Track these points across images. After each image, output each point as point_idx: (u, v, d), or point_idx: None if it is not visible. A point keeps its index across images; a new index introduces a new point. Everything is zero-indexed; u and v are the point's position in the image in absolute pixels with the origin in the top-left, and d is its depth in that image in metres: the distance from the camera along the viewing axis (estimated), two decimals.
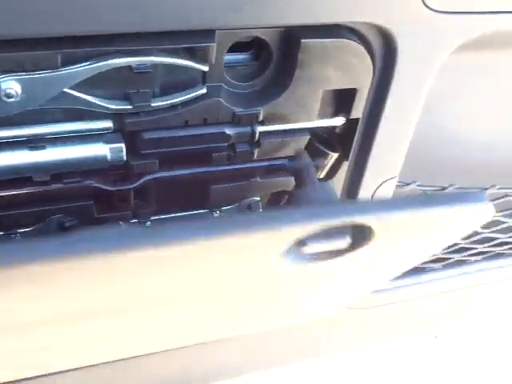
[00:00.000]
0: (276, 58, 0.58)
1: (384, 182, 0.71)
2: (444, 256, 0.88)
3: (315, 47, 0.57)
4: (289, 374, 1.52)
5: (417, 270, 0.88)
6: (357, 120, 0.65)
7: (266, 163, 0.65)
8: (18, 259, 0.33)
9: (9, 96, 0.49)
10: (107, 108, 0.54)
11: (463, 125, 0.77)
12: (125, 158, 0.56)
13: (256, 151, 0.63)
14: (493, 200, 0.84)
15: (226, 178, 0.64)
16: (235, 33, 0.54)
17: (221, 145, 0.61)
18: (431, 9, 0.58)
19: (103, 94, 0.53)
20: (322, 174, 0.70)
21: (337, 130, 0.67)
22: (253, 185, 0.67)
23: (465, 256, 0.89)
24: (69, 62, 0.50)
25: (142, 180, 0.60)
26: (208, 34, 0.53)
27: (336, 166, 0.69)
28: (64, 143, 0.54)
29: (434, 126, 0.75)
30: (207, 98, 0.57)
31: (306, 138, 0.65)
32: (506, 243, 0.91)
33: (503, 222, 0.88)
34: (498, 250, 0.92)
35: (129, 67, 0.52)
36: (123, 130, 0.55)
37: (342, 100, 0.63)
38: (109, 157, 0.55)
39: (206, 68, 0.54)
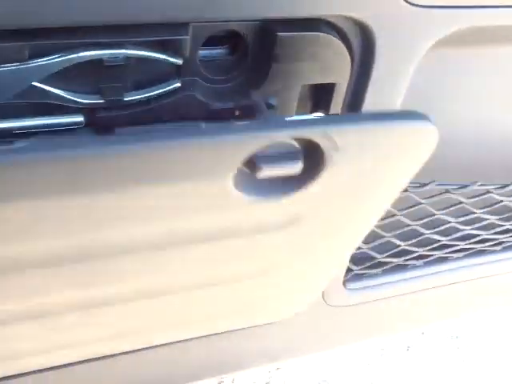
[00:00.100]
0: (252, 52, 0.57)
1: None
2: (426, 253, 0.87)
3: (292, 41, 0.56)
4: (274, 372, 1.52)
5: (399, 268, 0.87)
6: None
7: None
8: None
9: None
10: (78, 102, 0.52)
11: (443, 122, 0.77)
12: None
13: None
14: (474, 197, 0.84)
15: None
16: (210, 26, 0.53)
17: None
18: (409, 3, 0.57)
19: (74, 88, 0.52)
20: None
21: None
22: None
23: (447, 253, 0.89)
24: (37, 54, 0.49)
25: None
26: (182, 26, 0.52)
27: None
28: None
29: None
30: (182, 93, 0.56)
31: None
32: (488, 240, 0.91)
33: (485, 219, 0.88)
34: (479, 246, 0.91)
35: (100, 60, 0.51)
36: (95, 124, 0.54)
37: (321, 95, 0.62)
38: None
39: (179, 62, 0.53)
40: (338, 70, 0.59)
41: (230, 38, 0.56)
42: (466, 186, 0.81)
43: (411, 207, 0.80)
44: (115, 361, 0.78)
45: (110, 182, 0.40)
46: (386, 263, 0.85)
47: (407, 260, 0.87)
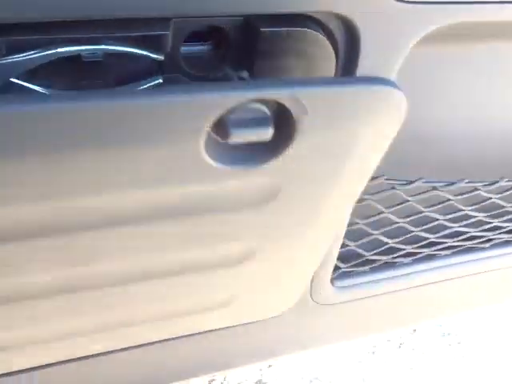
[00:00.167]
0: (235, 47, 0.56)
1: None
2: (414, 251, 0.87)
3: (276, 37, 0.55)
4: (266, 370, 1.52)
5: (387, 265, 0.87)
6: None
7: None
8: None
9: None
10: None
11: (430, 118, 0.76)
12: None
13: None
14: (462, 194, 0.83)
15: None
16: (192, 21, 0.53)
17: None
18: None
19: (53, 85, 0.51)
20: None
21: None
22: None
23: (435, 250, 0.89)
24: (15, 50, 0.48)
25: None
26: (163, 22, 0.51)
27: None
28: None
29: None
30: None
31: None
32: (477, 237, 0.91)
33: (473, 217, 0.87)
34: (468, 244, 0.91)
35: (79, 56, 0.50)
36: None
37: None
38: None
39: (161, 57, 0.52)
40: (323, 67, 0.59)
41: (212, 34, 0.56)
42: (453, 184, 0.81)
43: (399, 204, 0.79)
44: (103, 360, 0.77)
45: (74, 142, 0.39)
46: (373, 261, 0.84)
47: (395, 258, 0.86)
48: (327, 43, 0.57)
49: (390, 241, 0.83)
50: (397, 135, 0.76)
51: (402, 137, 0.77)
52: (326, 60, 0.59)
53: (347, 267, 0.82)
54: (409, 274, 0.88)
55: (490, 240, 0.92)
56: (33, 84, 0.50)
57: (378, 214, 0.79)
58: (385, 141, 0.51)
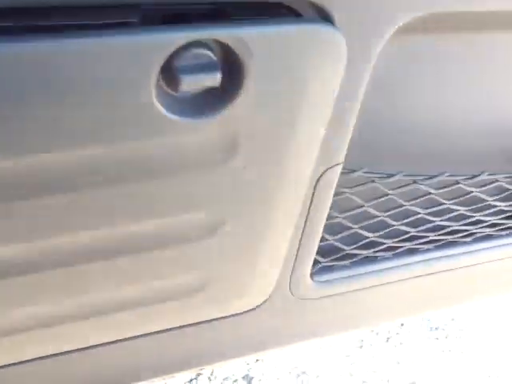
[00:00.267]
0: None
1: (329, 168, 0.69)
2: (395, 245, 0.86)
3: None
4: (253, 364, 1.51)
5: (368, 260, 0.86)
6: None
7: None
8: None
9: None
10: None
11: (411, 112, 0.75)
12: None
13: None
14: (443, 188, 0.83)
15: None
16: (161, 10, 0.51)
17: None
18: None
19: None
20: None
21: None
22: None
23: (416, 244, 0.88)
24: None
25: None
26: (131, 9, 0.50)
27: None
28: None
29: (381, 113, 0.73)
30: None
31: None
32: (458, 231, 0.90)
33: (454, 210, 0.87)
34: (450, 238, 0.90)
35: None
36: None
37: None
38: None
39: None
40: None
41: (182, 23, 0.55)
42: (433, 177, 0.80)
43: (378, 198, 0.79)
44: (89, 353, 0.76)
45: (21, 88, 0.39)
46: (354, 255, 0.83)
47: (376, 252, 0.85)
48: None
49: (370, 235, 0.82)
50: (377, 128, 0.75)
51: (383, 130, 0.76)
52: None
53: (327, 261, 0.82)
54: (390, 268, 0.87)
55: (472, 234, 0.91)
56: None
57: (358, 207, 0.78)
58: (333, 84, 0.52)
